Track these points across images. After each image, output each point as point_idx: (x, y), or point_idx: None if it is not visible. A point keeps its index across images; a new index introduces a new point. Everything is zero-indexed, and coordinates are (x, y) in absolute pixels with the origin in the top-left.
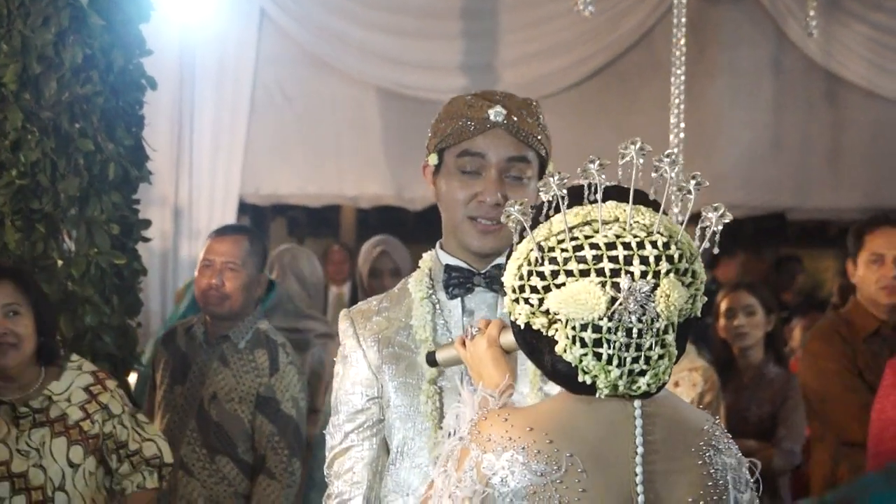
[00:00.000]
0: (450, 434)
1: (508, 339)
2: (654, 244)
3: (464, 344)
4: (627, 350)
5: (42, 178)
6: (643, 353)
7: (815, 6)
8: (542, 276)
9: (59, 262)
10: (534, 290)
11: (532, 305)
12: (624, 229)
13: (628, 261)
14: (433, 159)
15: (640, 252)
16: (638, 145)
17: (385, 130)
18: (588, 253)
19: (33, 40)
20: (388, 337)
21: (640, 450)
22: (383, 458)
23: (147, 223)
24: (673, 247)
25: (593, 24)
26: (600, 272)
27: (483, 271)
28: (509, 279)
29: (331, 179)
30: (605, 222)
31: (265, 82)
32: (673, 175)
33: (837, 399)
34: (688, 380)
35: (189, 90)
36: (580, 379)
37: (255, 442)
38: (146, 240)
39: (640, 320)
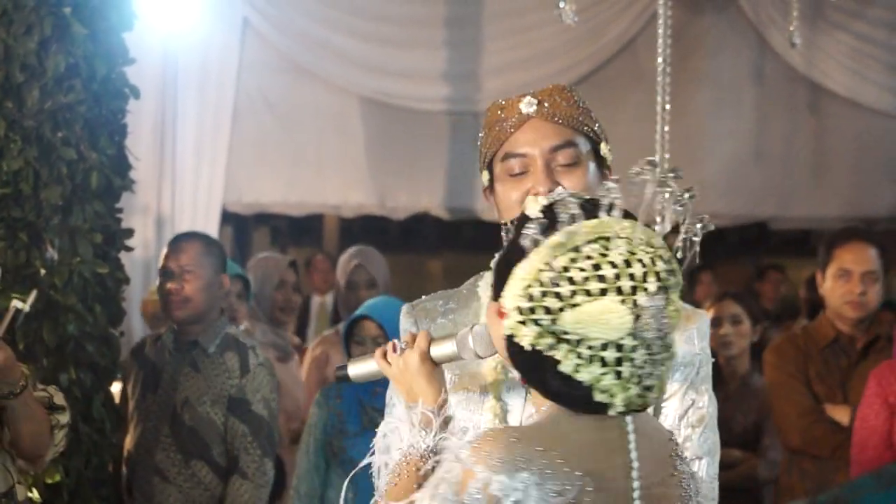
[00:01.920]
0: (378, 451)
1: (440, 351)
2: (661, 259)
3: (384, 357)
4: (644, 367)
5: (24, 187)
6: (656, 369)
7: (798, 16)
8: (558, 296)
9: (42, 271)
10: (547, 310)
11: (542, 326)
12: (632, 245)
13: (644, 277)
14: (485, 176)
15: (653, 268)
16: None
17: (368, 139)
18: (608, 271)
19: (16, 49)
20: None
21: (635, 465)
22: None
23: (130, 232)
24: (672, 261)
25: (577, 32)
26: (619, 290)
27: None
28: (513, 300)
29: (313, 188)
30: (617, 237)
31: (248, 91)
32: (654, 182)
33: (779, 407)
34: None
35: (172, 99)
36: (596, 398)
37: (228, 443)
38: (129, 249)
39: (656, 336)
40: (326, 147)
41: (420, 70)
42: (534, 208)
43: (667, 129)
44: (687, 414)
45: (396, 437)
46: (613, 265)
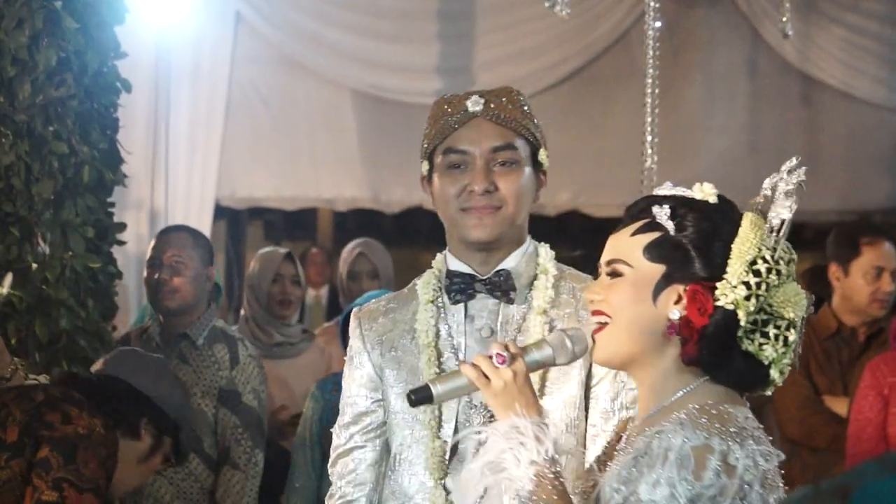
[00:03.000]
0: (490, 472)
1: (536, 358)
2: None
3: (479, 371)
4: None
5: (16, 182)
6: None
7: (791, 8)
8: (779, 273)
9: (34, 266)
10: (767, 287)
11: (759, 300)
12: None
13: None
14: (425, 167)
15: None
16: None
17: (361, 133)
18: (795, 257)
19: (7, 43)
20: (391, 340)
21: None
22: (386, 459)
23: (122, 226)
24: None
25: (569, 26)
26: (793, 277)
27: (485, 277)
28: (741, 276)
29: (307, 182)
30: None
31: (241, 85)
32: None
33: (779, 398)
34: None
35: (164, 93)
36: (773, 376)
37: (219, 435)
38: (121, 243)
39: None
40: (320, 141)
41: (413, 64)
42: (711, 195)
43: (657, 122)
44: (619, 396)
45: (517, 454)
46: (792, 251)
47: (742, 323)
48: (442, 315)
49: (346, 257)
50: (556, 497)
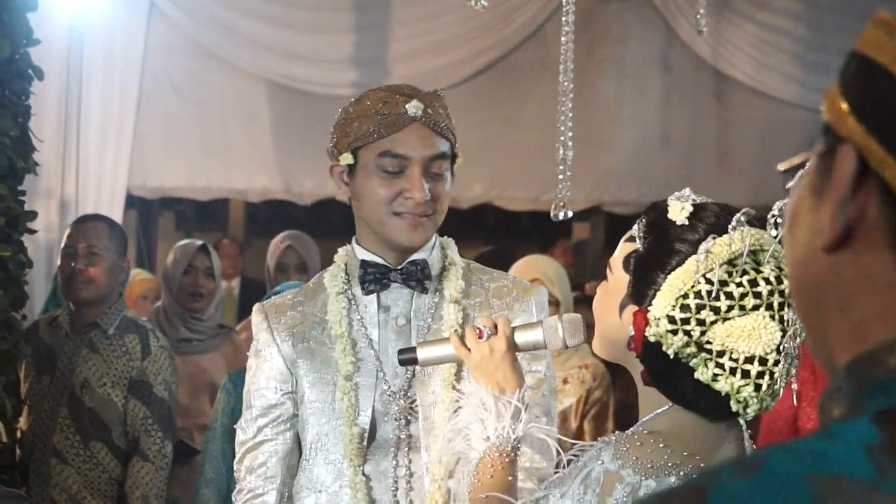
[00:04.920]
0: (450, 440)
1: (525, 339)
2: None
3: (462, 343)
4: (780, 379)
5: None
6: (786, 378)
7: (704, 4)
8: (716, 310)
9: None
10: (700, 322)
11: (691, 336)
12: (778, 260)
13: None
14: (347, 159)
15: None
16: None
17: (274, 124)
18: (763, 288)
19: None
20: (302, 332)
21: None
22: (296, 453)
23: (33, 215)
24: None
25: (485, 19)
26: (770, 306)
27: (399, 267)
28: (665, 309)
29: (219, 172)
30: (761, 250)
31: (154, 74)
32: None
33: None
34: (577, 377)
35: (76, 81)
36: (734, 407)
37: (128, 425)
38: (32, 232)
39: (796, 349)
40: (233, 131)
41: (328, 55)
42: (680, 214)
43: (570, 115)
44: (550, 411)
45: (479, 427)
46: (767, 281)
47: (669, 356)
48: (354, 306)
49: (273, 250)
50: (490, 477)
